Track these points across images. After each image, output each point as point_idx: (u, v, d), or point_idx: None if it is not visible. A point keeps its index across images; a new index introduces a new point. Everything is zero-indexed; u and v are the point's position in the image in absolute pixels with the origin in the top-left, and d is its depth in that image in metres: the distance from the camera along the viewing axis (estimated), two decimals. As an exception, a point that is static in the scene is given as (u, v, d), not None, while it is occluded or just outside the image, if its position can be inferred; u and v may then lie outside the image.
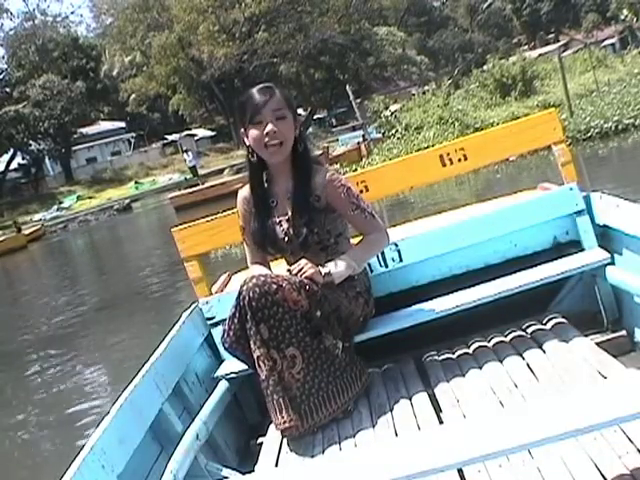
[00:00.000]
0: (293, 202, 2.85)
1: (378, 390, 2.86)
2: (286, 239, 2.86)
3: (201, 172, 41.24)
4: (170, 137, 57.11)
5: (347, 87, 25.41)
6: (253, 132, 2.79)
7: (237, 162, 42.36)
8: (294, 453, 2.57)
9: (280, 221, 2.87)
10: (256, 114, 2.77)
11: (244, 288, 2.58)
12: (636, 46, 40.46)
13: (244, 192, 3.02)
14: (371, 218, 2.87)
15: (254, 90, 2.82)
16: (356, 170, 3.73)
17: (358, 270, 2.83)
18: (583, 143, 14.82)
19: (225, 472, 2.75)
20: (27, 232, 30.65)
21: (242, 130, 2.86)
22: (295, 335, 2.57)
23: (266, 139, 2.76)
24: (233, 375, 3.08)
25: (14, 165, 51.98)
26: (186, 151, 40.88)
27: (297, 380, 2.57)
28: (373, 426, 2.58)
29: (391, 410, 2.66)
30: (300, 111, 49.27)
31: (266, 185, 2.94)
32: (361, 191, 3.13)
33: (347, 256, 2.80)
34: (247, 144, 2.86)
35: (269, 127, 2.75)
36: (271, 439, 2.74)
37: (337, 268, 2.75)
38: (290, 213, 2.85)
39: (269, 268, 2.98)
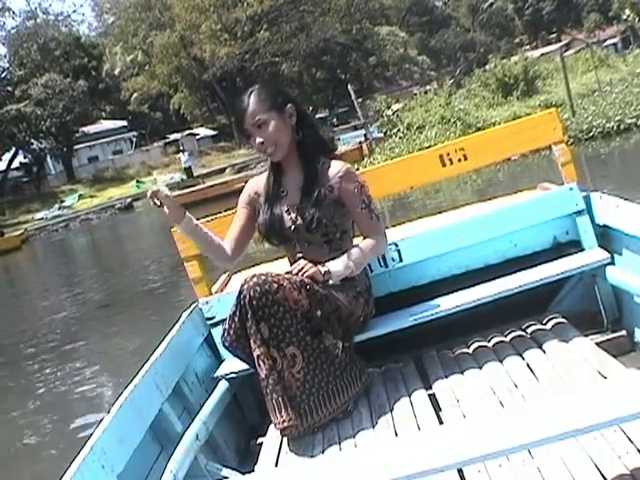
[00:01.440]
0: (303, 190, 2.87)
1: (378, 390, 2.86)
2: (292, 227, 2.87)
3: (202, 171, 41.08)
4: (172, 136, 57.08)
5: (349, 86, 25.42)
6: (251, 142, 2.90)
7: (239, 161, 42.29)
8: (294, 453, 2.57)
9: (288, 210, 2.89)
10: (242, 131, 2.90)
11: (245, 287, 2.58)
12: (638, 46, 40.47)
13: (257, 180, 3.06)
14: (377, 221, 2.90)
15: (237, 101, 2.90)
16: (358, 169, 3.77)
17: (356, 272, 2.84)
18: (585, 143, 14.82)
19: (225, 472, 2.75)
20: (8, 236, 30.57)
21: None
22: (295, 334, 2.57)
23: (259, 148, 2.86)
24: (233, 375, 3.08)
25: (16, 164, 51.90)
26: (182, 151, 40.19)
27: (297, 379, 2.57)
28: (373, 426, 2.59)
29: (391, 410, 2.66)
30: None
31: (278, 176, 2.99)
32: (370, 196, 3.11)
33: (346, 257, 2.81)
34: None
35: (257, 140, 2.84)
36: (271, 439, 2.74)
37: (336, 267, 2.76)
38: (299, 201, 2.87)
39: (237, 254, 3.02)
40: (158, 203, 2.80)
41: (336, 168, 2.88)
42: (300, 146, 2.91)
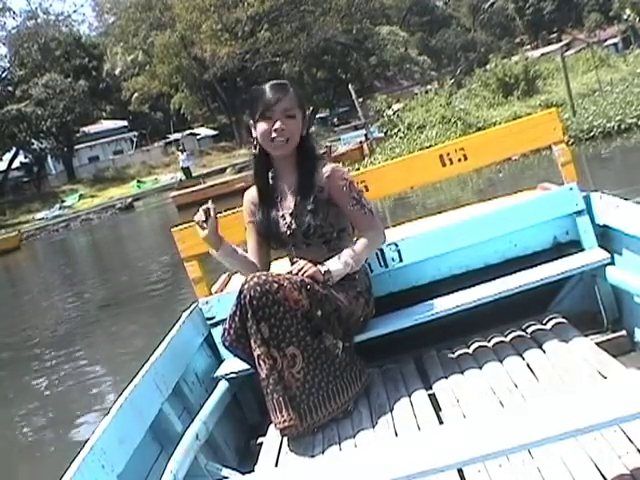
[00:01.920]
0: (297, 194, 2.89)
1: (378, 390, 2.86)
2: (288, 232, 2.89)
3: (203, 171, 41.02)
4: (172, 136, 57.09)
5: (349, 86, 25.40)
6: (262, 125, 2.84)
7: (239, 161, 42.29)
8: (294, 453, 2.57)
9: (283, 215, 2.91)
10: (267, 110, 2.83)
11: (245, 287, 2.59)
12: (639, 46, 40.43)
13: (251, 191, 3.06)
14: (370, 215, 2.91)
15: (269, 86, 2.88)
16: (359, 169, 3.78)
17: (356, 268, 2.84)
18: (586, 143, 14.82)
19: (225, 472, 2.75)
20: (6, 236, 30.58)
21: (251, 122, 2.91)
22: (295, 334, 2.57)
23: (273, 134, 2.83)
24: (233, 375, 3.08)
25: (16, 164, 51.93)
26: (181, 151, 39.69)
27: (297, 379, 2.57)
28: (373, 426, 2.59)
29: (391, 410, 2.66)
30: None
31: (271, 181, 2.99)
32: (360, 191, 3.13)
33: (345, 255, 2.81)
34: (254, 136, 2.91)
35: (278, 124, 2.81)
36: (271, 439, 2.74)
37: (335, 266, 2.77)
38: (294, 206, 2.88)
39: (267, 263, 3.05)
40: (205, 225, 2.83)
41: (323, 168, 2.91)
42: (300, 152, 2.93)
